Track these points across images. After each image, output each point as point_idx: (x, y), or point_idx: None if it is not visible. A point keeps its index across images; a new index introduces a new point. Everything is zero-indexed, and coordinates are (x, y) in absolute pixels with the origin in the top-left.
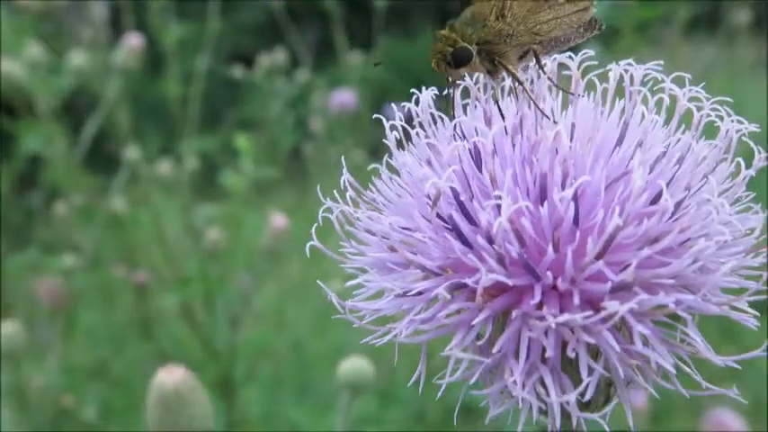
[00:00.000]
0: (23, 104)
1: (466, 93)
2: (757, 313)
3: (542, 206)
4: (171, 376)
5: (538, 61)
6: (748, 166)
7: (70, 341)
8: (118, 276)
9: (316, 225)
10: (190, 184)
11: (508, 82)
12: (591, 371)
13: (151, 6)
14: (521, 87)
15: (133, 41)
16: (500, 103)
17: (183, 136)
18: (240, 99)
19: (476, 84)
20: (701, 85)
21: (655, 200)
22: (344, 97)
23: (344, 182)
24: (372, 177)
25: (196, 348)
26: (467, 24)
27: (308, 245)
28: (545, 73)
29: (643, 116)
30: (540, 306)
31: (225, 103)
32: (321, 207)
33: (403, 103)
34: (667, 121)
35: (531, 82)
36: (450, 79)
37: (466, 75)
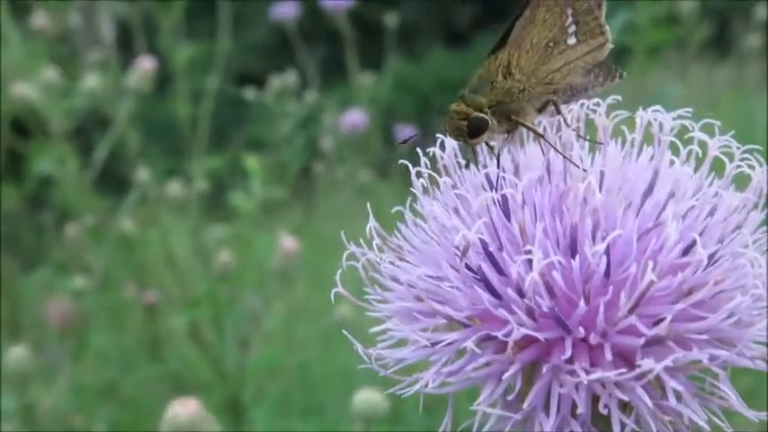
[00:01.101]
0: (36, 126)
1: None
2: None
3: (573, 259)
4: (185, 409)
5: (558, 112)
6: None
7: (80, 362)
8: (127, 297)
9: (339, 271)
10: (198, 205)
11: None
12: (623, 426)
13: (161, 26)
14: (544, 140)
15: (146, 64)
16: (526, 149)
17: (190, 156)
18: (245, 119)
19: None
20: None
21: (686, 251)
22: (355, 117)
23: (371, 229)
24: (397, 222)
25: (205, 370)
26: (475, 91)
27: (332, 291)
28: (568, 124)
29: (673, 163)
30: (570, 360)
31: (230, 124)
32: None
33: (429, 149)
34: (696, 168)
35: (557, 129)
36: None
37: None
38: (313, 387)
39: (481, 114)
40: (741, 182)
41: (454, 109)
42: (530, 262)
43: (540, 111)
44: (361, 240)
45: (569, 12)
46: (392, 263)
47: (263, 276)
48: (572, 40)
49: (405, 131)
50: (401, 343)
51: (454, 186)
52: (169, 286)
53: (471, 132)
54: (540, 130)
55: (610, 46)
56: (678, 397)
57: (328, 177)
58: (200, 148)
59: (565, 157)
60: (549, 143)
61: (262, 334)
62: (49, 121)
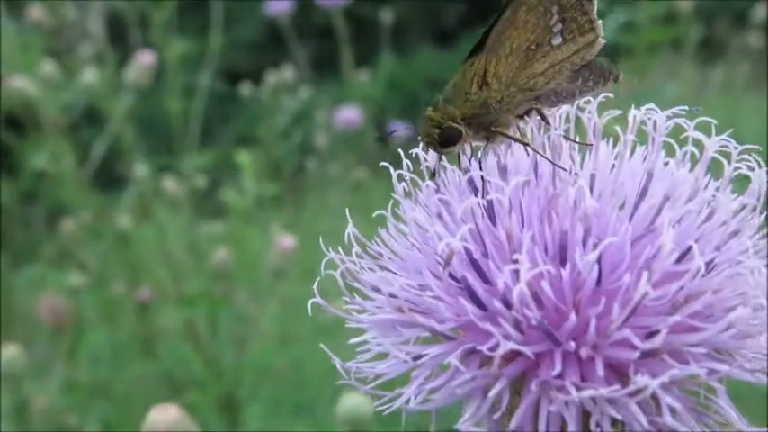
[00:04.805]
0: (31, 121)
1: None
2: None
3: (563, 268)
4: (164, 416)
5: (544, 119)
6: None
7: (72, 359)
8: (121, 294)
9: (318, 279)
10: (191, 201)
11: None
12: None
13: (153, 22)
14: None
15: (145, 59)
16: (513, 150)
17: (180, 152)
18: (233, 116)
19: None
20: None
21: (681, 258)
22: (350, 114)
23: (349, 235)
24: (378, 228)
25: (199, 367)
26: (448, 101)
27: (309, 302)
28: (553, 128)
29: (667, 164)
30: (560, 375)
31: (218, 121)
32: (323, 257)
33: (412, 150)
34: (691, 169)
35: (545, 130)
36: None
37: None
38: (305, 384)
39: (454, 125)
40: (739, 184)
41: (429, 114)
42: (517, 271)
43: (522, 118)
44: (339, 249)
45: (554, 9)
46: (372, 271)
47: (257, 273)
48: (557, 40)
49: (397, 128)
50: (383, 355)
51: (437, 190)
52: (163, 283)
53: (442, 142)
54: (525, 134)
55: (601, 42)
56: (674, 413)
57: (321, 174)
58: (191, 145)
59: (552, 162)
60: (535, 150)
61: (257, 331)
62: (45, 115)
